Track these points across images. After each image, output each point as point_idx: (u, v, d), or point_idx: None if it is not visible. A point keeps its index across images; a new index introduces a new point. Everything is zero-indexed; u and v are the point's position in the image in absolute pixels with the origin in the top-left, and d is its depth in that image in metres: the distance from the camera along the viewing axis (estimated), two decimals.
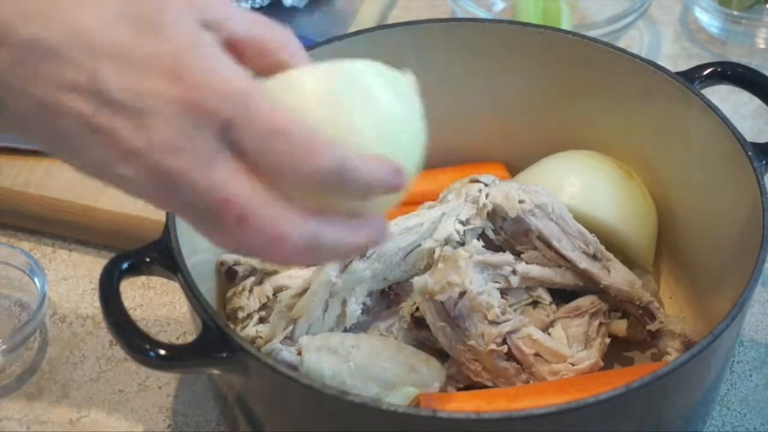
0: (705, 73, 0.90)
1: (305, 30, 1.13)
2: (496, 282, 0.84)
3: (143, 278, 0.97)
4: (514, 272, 0.85)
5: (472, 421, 0.66)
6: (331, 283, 0.81)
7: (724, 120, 0.85)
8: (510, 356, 0.82)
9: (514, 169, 0.97)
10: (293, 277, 0.88)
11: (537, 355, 0.83)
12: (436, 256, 0.84)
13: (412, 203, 0.91)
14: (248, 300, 0.86)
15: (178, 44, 0.58)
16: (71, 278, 0.98)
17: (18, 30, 0.56)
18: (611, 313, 0.87)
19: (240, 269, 0.87)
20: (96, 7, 0.58)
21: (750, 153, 0.82)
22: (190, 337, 0.73)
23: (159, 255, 0.76)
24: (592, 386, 0.77)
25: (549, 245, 0.86)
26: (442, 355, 0.83)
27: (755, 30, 1.21)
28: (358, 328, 0.84)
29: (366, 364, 0.79)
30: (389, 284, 0.85)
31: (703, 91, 0.88)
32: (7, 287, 0.95)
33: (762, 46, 1.22)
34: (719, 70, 0.90)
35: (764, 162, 0.83)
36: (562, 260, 0.86)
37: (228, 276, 0.87)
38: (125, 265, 0.76)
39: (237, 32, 0.61)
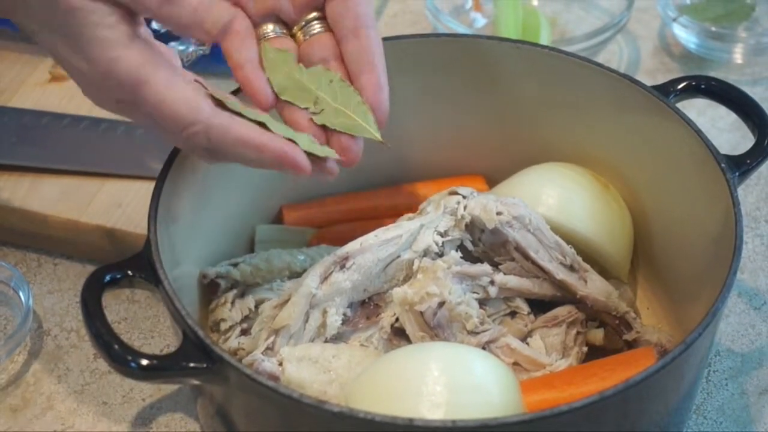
0: (680, 86, 0.91)
1: None
2: (474, 292, 0.85)
3: (128, 292, 0.97)
4: (492, 283, 0.86)
5: (448, 429, 0.67)
6: (312, 294, 0.82)
7: (698, 133, 0.86)
8: None
9: (493, 182, 0.98)
10: (275, 289, 0.89)
11: (516, 364, 0.84)
12: (415, 267, 0.85)
13: (392, 215, 0.92)
14: (230, 312, 0.87)
15: None
16: (56, 292, 0.98)
17: None
18: (588, 322, 0.88)
19: (222, 282, 0.88)
20: None
21: (723, 165, 0.84)
22: (174, 350, 0.74)
23: (140, 268, 0.77)
24: (579, 379, 0.80)
25: (526, 256, 0.87)
26: None
27: (732, 45, 1.22)
28: (339, 338, 0.84)
29: (346, 374, 0.80)
30: (369, 295, 0.86)
31: (681, 105, 0.90)
32: None
33: (739, 62, 1.23)
34: (693, 83, 0.92)
35: (737, 174, 0.84)
36: (539, 271, 0.87)
37: (210, 288, 0.88)
38: (107, 278, 0.77)
39: None
